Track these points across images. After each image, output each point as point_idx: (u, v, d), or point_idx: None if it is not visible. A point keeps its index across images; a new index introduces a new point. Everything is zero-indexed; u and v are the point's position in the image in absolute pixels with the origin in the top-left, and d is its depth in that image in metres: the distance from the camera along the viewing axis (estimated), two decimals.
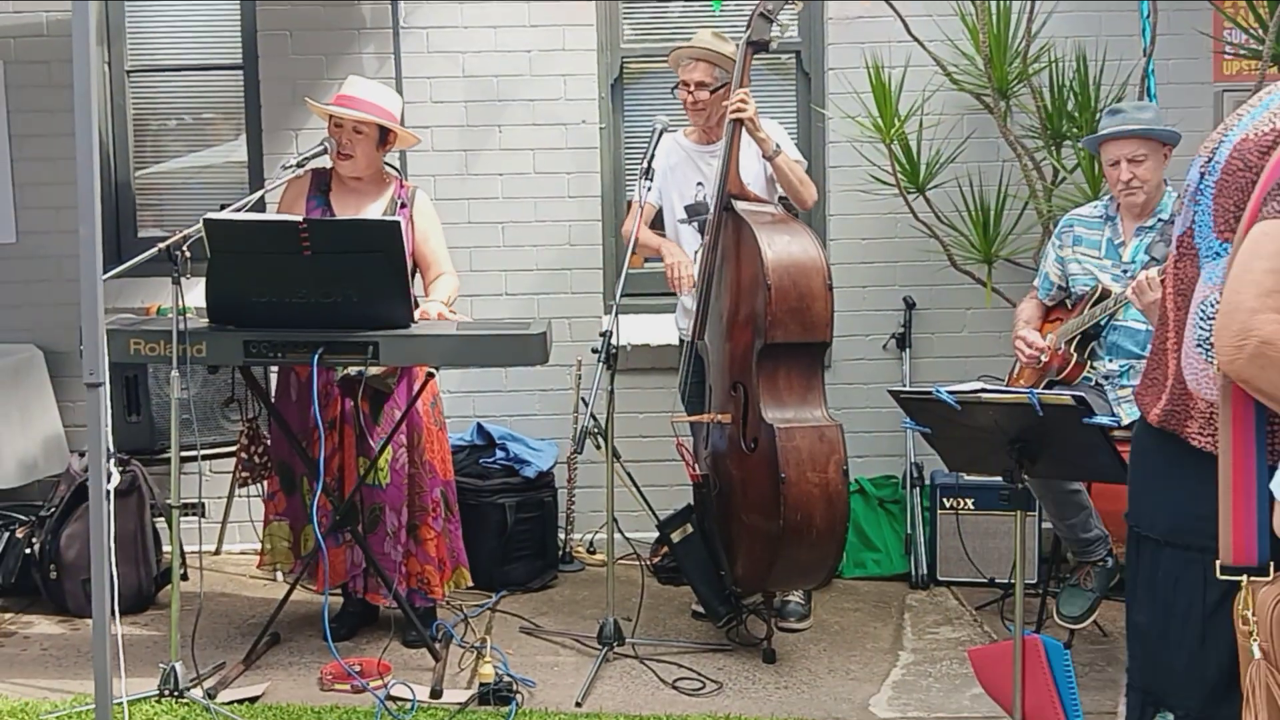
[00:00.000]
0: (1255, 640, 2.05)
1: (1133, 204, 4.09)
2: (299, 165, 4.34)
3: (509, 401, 5.69)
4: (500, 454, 5.32)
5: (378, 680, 4.08)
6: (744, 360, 4.32)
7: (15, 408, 5.27)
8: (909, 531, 5.32)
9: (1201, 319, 2.22)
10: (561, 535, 5.48)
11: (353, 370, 4.25)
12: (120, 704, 3.59)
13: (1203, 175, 2.34)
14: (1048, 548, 4.81)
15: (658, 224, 4.91)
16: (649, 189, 4.60)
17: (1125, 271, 4.08)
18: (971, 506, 5.15)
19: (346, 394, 4.39)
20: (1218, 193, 2.25)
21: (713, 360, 4.57)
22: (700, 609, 4.72)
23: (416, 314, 4.17)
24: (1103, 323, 4.09)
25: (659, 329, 5.48)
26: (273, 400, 4.59)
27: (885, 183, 5.29)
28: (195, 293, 4.02)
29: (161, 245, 3.92)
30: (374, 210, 4.48)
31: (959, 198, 5.30)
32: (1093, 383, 4.16)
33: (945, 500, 5.18)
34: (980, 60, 5.11)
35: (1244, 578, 2.09)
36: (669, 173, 4.83)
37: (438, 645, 4.39)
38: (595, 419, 4.20)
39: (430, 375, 4.40)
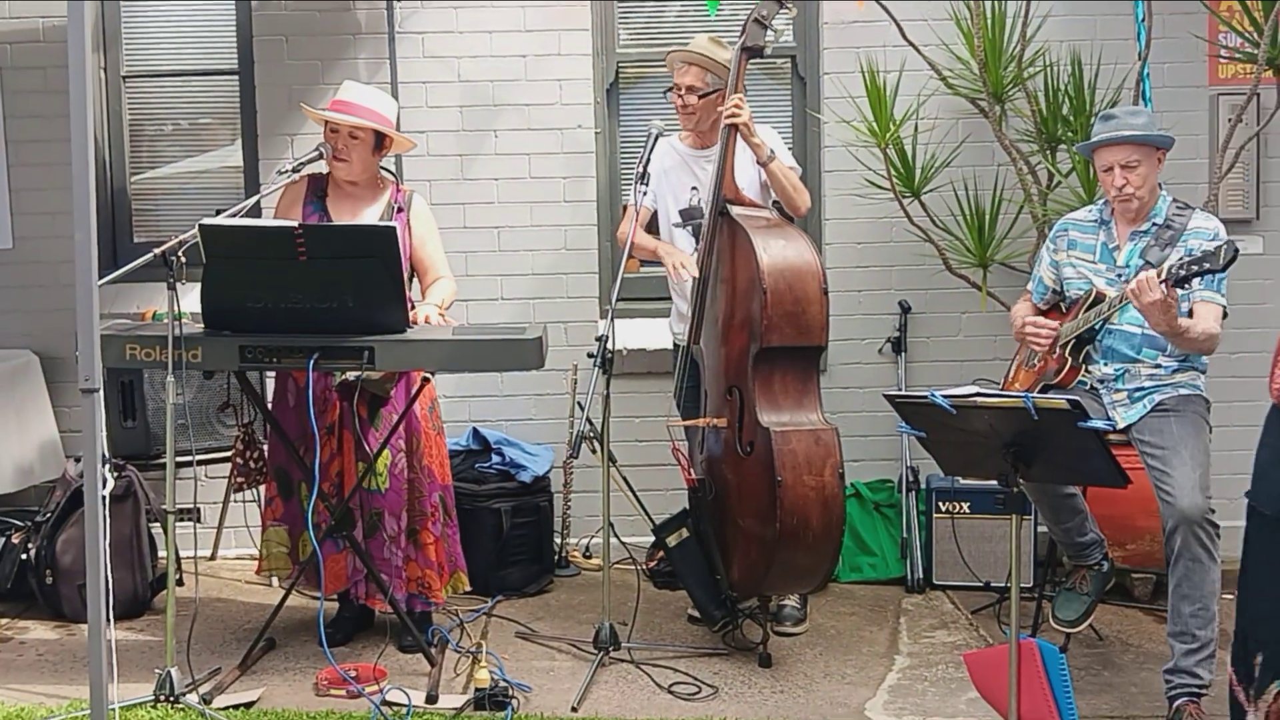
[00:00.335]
0: None
1: (1127, 209, 4.09)
2: (294, 170, 4.34)
3: (505, 406, 5.69)
4: (496, 458, 5.32)
5: (373, 686, 4.08)
6: (739, 364, 4.32)
7: (11, 413, 5.27)
8: (905, 535, 5.32)
9: None
10: (557, 540, 5.48)
11: (350, 375, 4.25)
12: (115, 710, 3.59)
13: None
14: (1043, 552, 4.81)
15: (653, 228, 4.91)
16: (644, 193, 4.61)
17: (1120, 276, 4.08)
18: (967, 510, 5.15)
19: (344, 399, 4.39)
20: None
21: (708, 364, 4.57)
22: (696, 613, 4.72)
23: (411, 317, 4.17)
24: (1097, 327, 4.10)
25: (655, 333, 5.48)
26: (270, 405, 4.59)
27: (880, 187, 5.29)
28: (191, 298, 4.01)
29: (157, 250, 3.92)
30: (370, 215, 4.48)
31: (954, 202, 5.30)
32: (1088, 387, 4.16)
33: (941, 504, 5.18)
34: (975, 64, 5.12)
35: None
36: (664, 176, 4.84)
37: (433, 650, 4.38)
38: (591, 423, 4.20)
39: (426, 380, 4.40)
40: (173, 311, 3.87)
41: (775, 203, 4.72)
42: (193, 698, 3.95)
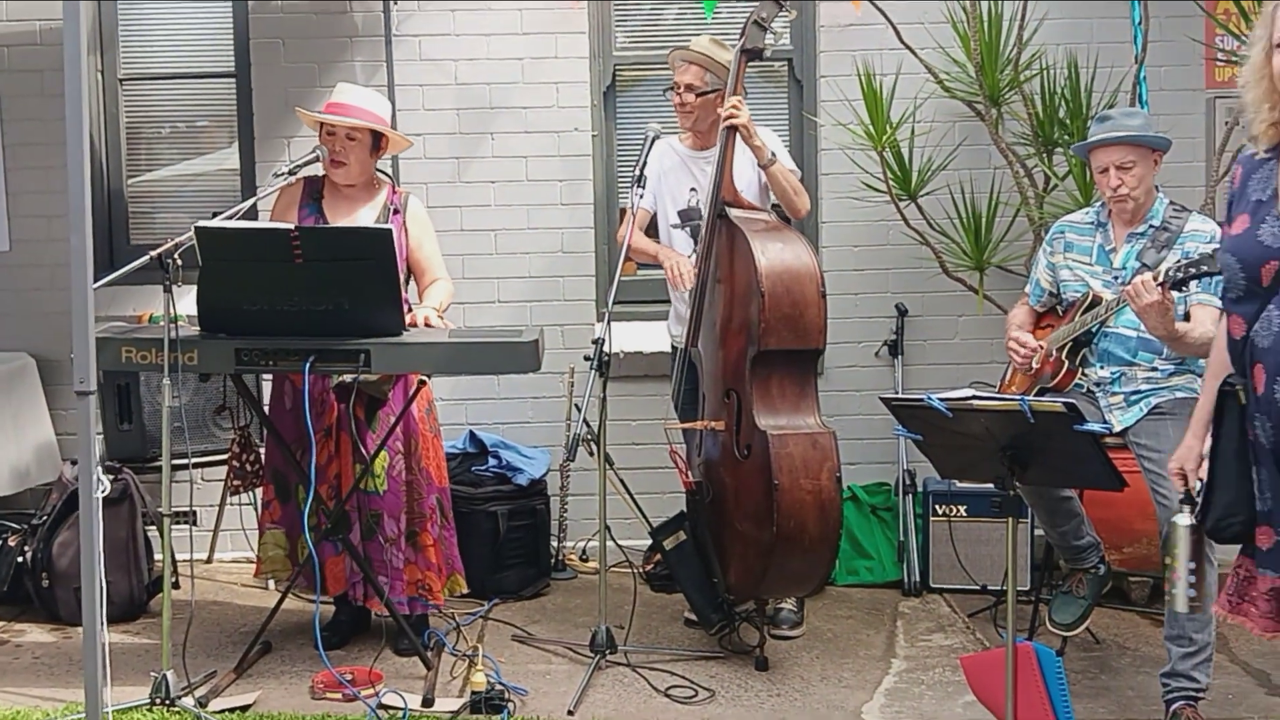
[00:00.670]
0: None
1: (1123, 210, 4.09)
2: (291, 173, 4.34)
3: (501, 409, 5.69)
4: (493, 461, 5.32)
5: (369, 689, 4.07)
6: (737, 367, 4.32)
7: (8, 416, 5.26)
8: (901, 538, 5.32)
9: None
10: (554, 543, 5.47)
11: (347, 376, 4.25)
12: (110, 713, 3.58)
13: None
14: (1040, 555, 4.82)
15: (653, 230, 4.91)
16: (641, 195, 4.61)
17: (1116, 278, 4.08)
18: (964, 513, 5.15)
19: (342, 400, 4.39)
20: None
21: (706, 367, 4.57)
22: (693, 616, 4.71)
23: (407, 319, 4.17)
24: (1094, 330, 4.10)
25: (651, 336, 5.48)
26: (267, 408, 4.59)
27: (877, 190, 5.29)
28: (187, 301, 4.01)
29: (153, 253, 3.91)
30: (366, 216, 4.48)
31: (950, 205, 5.31)
32: (1084, 390, 4.16)
33: (938, 507, 5.18)
34: (972, 67, 5.13)
35: None
36: (663, 177, 4.84)
37: (430, 653, 4.38)
38: (588, 426, 4.20)
39: (423, 382, 4.40)
40: (169, 314, 3.87)
41: (775, 205, 4.72)
42: (188, 701, 3.94)
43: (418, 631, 4.48)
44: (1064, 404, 3.13)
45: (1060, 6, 5.39)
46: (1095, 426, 3.58)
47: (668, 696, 4.13)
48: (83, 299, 3.23)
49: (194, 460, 4.87)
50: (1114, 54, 5.24)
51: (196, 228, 3.87)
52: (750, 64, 4.54)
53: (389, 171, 4.96)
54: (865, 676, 4.34)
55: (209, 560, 5.59)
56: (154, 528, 4.96)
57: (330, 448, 4.43)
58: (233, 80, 5.77)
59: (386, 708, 3.96)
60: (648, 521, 4.82)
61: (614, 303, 4.36)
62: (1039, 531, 4.53)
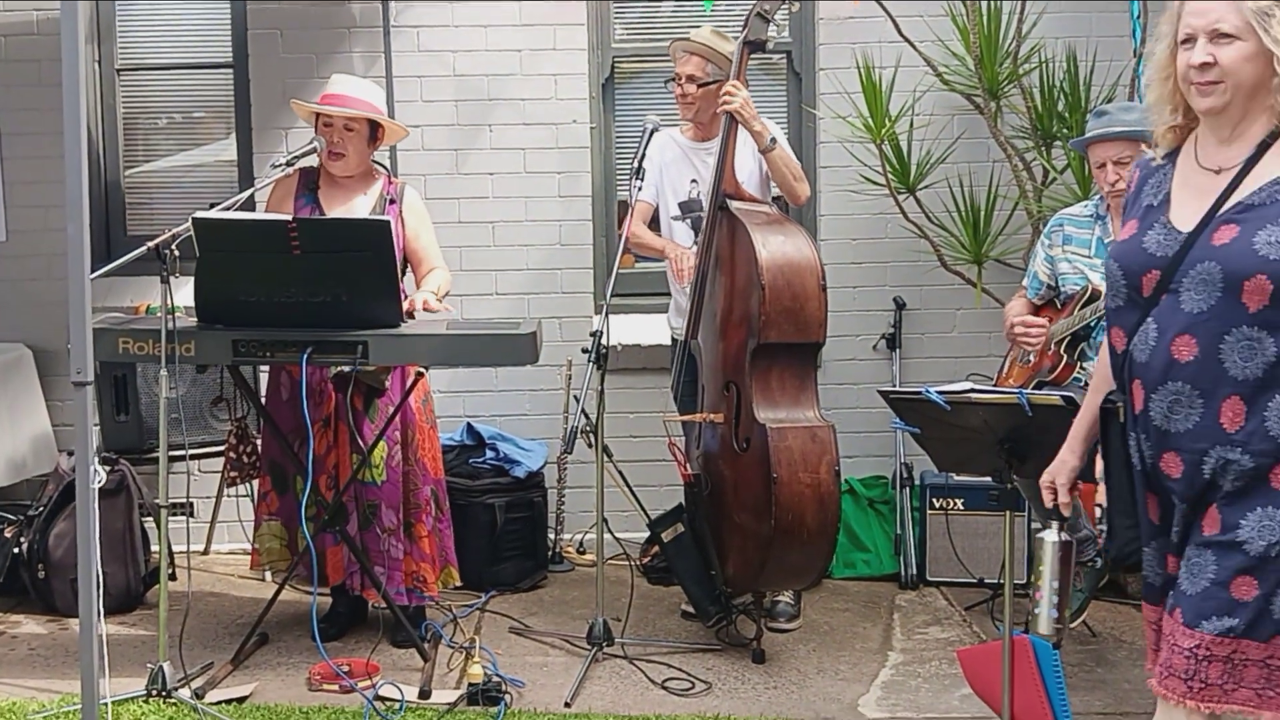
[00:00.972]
0: None
1: (1121, 204, 4.08)
2: (288, 164, 4.32)
3: (499, 401, 5.68)
4: (490, 454, 5.32)
5: (366, 680, 4.07)
6: (737, 360, 4.32)
7: (4, 407, 5.25)
8: (899, 532, 5.32)
9: None
10: (551, 535, 5.47)
11: (345, 367, 4.24)
12: (107, 704, 3.58)
13: None
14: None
15: (653, 223, 4.90)
16: (640, 188, 4.60)
17: None
18: (961, 507, 5.15)
19: (340, 390, 4.38)
20: None
21: (705, 359, 4.57)
22: (690, 609, 4.71)
23: (405, 306, 4.16)
24: (1093, 324, 4.09)
25: (650, 329, 5.48)
26: (265, 399, 4.58)
27: (876, 183, 5.29)
28: (184, 292, 4.01)
29: (150, 244, 3.90)
30: (362, 206, 4.47)
31: (949, 198, 5.30)
32: (1082, 383, 4.15)
33: (935, 500, 5.18)
34: (971, 61, 5.12)
35: None
36: (664, 169, 4.83)
37: (426, 645, 4.38)
38: (587, 417, 4.20)
39: (420, 373, 4.40)
40: (166, 305, 3.86)
41: (776, 198, 4.72)
42: (185, 692, 3.94)
43: (415, 623, 4.48)
44: (1062, 397, 3.13)
45: (1059, 0, 5.38)
46: None
47: (664, 689, 4.13)
48: (80, 290, 3.22)
49: (191, 451, 4.87)
50: (1113, 47, 5.23)
51: (194, 219, 3.86)
52: (752, 56, 4.54)
53: (385, 163, 4.96)
54: (862, 669, 4.34)
55: (205, 552, 5.58)
56: (151, 519, 4.96)
57: (329, 438, 4.43)
58: (230, 71, 5.76)
59: (383, 699, 3.95)
60: (646, 514, 4.82)
61: (612, 295, 4.36)
62: (1036, 525, 4.53)
